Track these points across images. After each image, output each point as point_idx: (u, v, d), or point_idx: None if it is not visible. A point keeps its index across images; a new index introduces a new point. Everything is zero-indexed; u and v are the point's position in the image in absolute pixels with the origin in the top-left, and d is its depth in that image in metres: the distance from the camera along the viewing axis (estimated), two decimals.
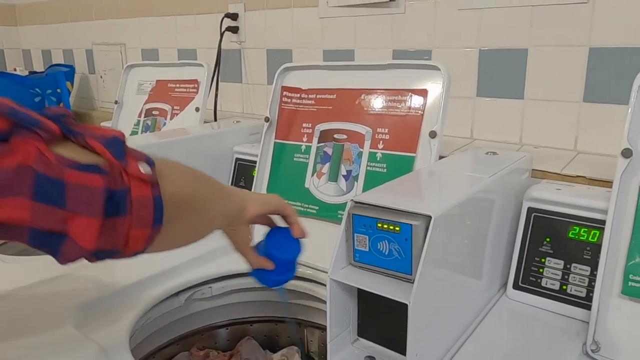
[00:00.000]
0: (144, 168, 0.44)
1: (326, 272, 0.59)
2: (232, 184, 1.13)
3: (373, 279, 0.57)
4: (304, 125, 0.95)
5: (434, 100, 0.81)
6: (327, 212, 0.89)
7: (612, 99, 0.90)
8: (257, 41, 1.46)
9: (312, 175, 0.92)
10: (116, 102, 1.48)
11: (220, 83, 1.49)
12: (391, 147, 0.84)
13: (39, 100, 1.94)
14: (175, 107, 1.33)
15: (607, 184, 0.74)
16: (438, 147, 0.79)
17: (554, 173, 0.83)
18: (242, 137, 1.17)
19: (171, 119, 1.32)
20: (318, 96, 0.94)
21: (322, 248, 0.83)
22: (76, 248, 0.41)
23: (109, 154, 0.42)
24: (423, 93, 0.83)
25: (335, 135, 0.91)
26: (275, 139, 0.98)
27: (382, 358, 0.62)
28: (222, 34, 1.46)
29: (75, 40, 2.15)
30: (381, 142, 0.85)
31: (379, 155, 0.85)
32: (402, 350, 0.57)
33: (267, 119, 0.99)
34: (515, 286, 0.76)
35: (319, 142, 0.92)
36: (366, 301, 0.63)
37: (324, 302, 0.83)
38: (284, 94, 0.99)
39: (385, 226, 0.55)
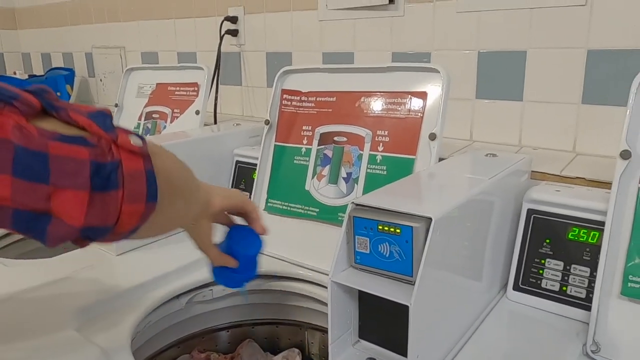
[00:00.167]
0: (134, 140, 0.42)
1: (327, 274, 0.60)
2: (232, 187, 1.13)
3: (374, 281, 0.57)
4: (304, 127, 0.95)
5: (433, 103, 0.82)
6: (328, 215, 0.89)
7: (611, 101, 0.91)
8: (256, 44, 1.46)
9: (313, 177, 0.92)
10: (116, 105, 1.48)
11: (220, 86, 1.50)
12: (391, 149, 0.84)
13: None
14: (175, 110, 1.33)
15: (606, 185, 0.74)
16: (438, 149, 0.79)
17: (554, 175, 0.83)
18: (242, 140, 1.17)
19: (171, 122, 1.33)
20: (318, 99, 0.95)
21: (323, 250, 0.83)
22: (63, 226, 0.39)
23: (96, 127, 0.40)
24: (422, 95, 0.83)
25: (336, 138, 0.91)
26: (275, 141, 0.99)
27: None
28: (221, 37, 1.47)
29: (75, 43, 2.15)
30: (381, 144, 0.85)
31: (379, 157, 0.85)
32: (403, 351, 0.57)
33: (267, 122, 0.99)
34: (516, 287, 0.76)
35: (319, 145, 0.93)
36: (367, 303, 0.63)
37: (325, 304, 0.83)
38: (284, 97, 0.99)
39: (386, 228, 0.55)
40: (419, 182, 0.71)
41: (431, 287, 0.55)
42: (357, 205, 0.58)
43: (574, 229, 0.72)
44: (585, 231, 0.71)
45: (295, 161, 0.95)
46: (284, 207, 0.95)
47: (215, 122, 1.42)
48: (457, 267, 0.64)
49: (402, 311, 0.52)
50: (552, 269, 0.73)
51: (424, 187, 0.70)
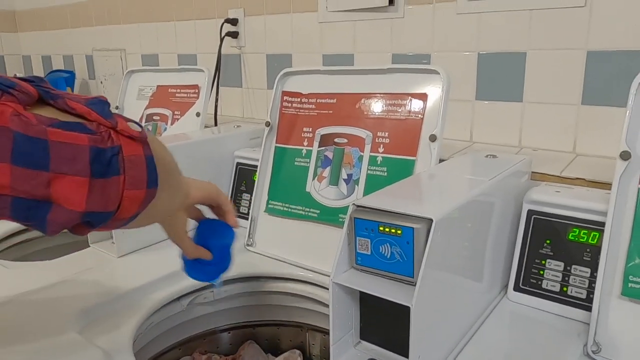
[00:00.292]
0: (133, 126, 0.42)
1: (328, 276, 0.60)
2: (233, 189, 1.14)
3: (375, 282, 0.57)
4: (305, 129, 0.95)
5: (433, 104, 0.82)
6: (328, 216, 0.89)
7: (611, 102, 0.91)
8: (256, 46, 1.47)
9: (313, 179, 0.92)
10: (117, 108, 1.48)
11: (220, 88, 1.50)
12: (391, 150, 0.85)
13: None
14: (175, 112, 1.33)
15: (606, 186, 0.75)
16: (438, 151, 0.80)
17: (554, 175, 0.84)
18: (243, 142, 1.17)
19: (172, 124, 1.33)
20: (318, 101, 0.95)
21: (324, 251, 0.83)
22: (64, 212, 0.39)
23: (95, 114, 0.40)
24: (423, 97, 0.83)
25: (336, 140, 0.91)
26: (276, 143, 0.99)
27: None
28: (222, 39, 1.47)
29: (75, 46, 2.16)
30: (381, 145, 0.86)
31: (379, 159, 0.85)
32: (404, 352, 0.57)
33: (267, 124, 0.99)
34: (516, 288, 0.76)
35: (319, 146, 0.93)
36: (368, 304, 0.63)
37: (326, 305, 0.84)
38: (284, 99, 0.99)
39: (387, 229, 0.55)
40: (419, 184, 0.71)
41: (432, 288, 0.55)
42: (358, 206, 0.58)
43: (574, 229, 0.72)
44: (586, 232, 0.71)
45: (295, 163, 0.95)
46: (285, 209, 0.95)
47: (216, 124, 1.43)
48: (457, 268, 0.64)
49: (403, 312, 0.52)
50: (553, 269, 0.73)
51: (424, 188, 0.70)
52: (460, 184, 0.70)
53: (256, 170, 1.01)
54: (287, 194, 0.95)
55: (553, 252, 0.74)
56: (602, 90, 0.92)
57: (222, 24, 1.47)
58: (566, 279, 0.72)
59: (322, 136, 0.93)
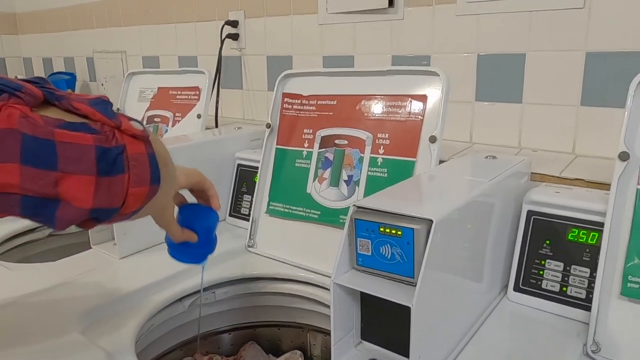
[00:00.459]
0: (136, 125, 0.43)
1: (329, 277, 0.60)
2: (234, 190, 1.14)
3: (376, 283, 0.58)
4: (305, 131, 0.96)
5: (433, 105, 0.82)
6: (329, 217, 0.89)
7: (609, 103, 0.91)
8: (257, 48, 1.47)
9: (314, 180, 0.93)
10: (118, 110, 1.49)
11: (221, 90, 1.51)
12: (392, 152, 0.85)
13: None
14: (176, 114, 1.34)
15: (606, 186, 0.75)
16: (438, 152, 0.80)
17: (553, 176, 0.84)
18: (244, 143, 1.18)
19: (173, 125, 1.33)
20: (319, 102, 0.95)
21: (324, 252, 0.84)
22: (72, 210, 0.40)
23: (99, 114, 0.41)
24: (422, 98, 0.84)
25: (336, 141, 0.92)
26: (276, 144, 0.99)
27: None
28: (222, 41, 1.48)
29: (76, 48, 2.16)
30: (382, 147, 0.86)
31: (379, 160, 0.86)
32: (405, 352, 0.57)
33: (268, 125, 1.00)
34: (516, 288, 0.76)
35: (320, 148, 0.93)
36: (369, 305, 0.64)
37: (327, 306, 0.84)
38: (285, 101, 1.00)
39: (388, 230, 0.56)
40: (419, 185, 0.72)
41: (432, 289, 0.56)
42: (358, 207, 0.59)
43: (574, 230, 0.73)
44: (585, 232, 0.72)
45: (296, 164, 0.96)
46: (286, 210, 0.95)
47: (217, 126, 1.43)
48: (458, 269, 0.64)
49: (404, 312, 0.52)
50: (552, 269, 0.74)
51: (424, 189, 0.71)
52: (460, 185, 0.71)
53: (257, 172, 1.01)
54: (288, 195, 0.96)
55: (553, 252, 0.74)
56: (601, 92, 0.92)
57: (223, 26, 1.48)
58: (566, 279, 0.73)
59: (323, 138, 0.93)
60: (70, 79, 2.06)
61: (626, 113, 0.63)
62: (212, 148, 1.13)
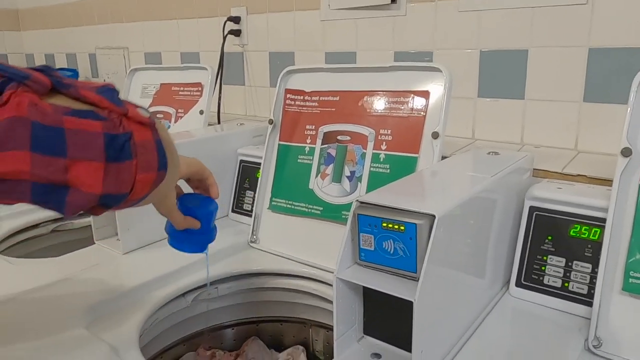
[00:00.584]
0: (143, 112, 0.44)
1: (331, 272, 0.60)
2: (236, 186, 1.14)
3: (378, 278, 0.58)
4: (308, 127, 0.96)
5: (435, 102, 0.82)
6: (331, 213, 0.90)
7: (612, 99, 0.91)
8: (259, 44, 1.47)
9: (316, 176, 0.93)
10: None
11: (223, 86, 1.51)
12: (394, 148, 0.85)
13: None
14: (179, 110, 1.34)
15: (608, 182, 0.75)
16: (440, 148, 0.80)
17: (555, 172, 0.84)
18: (246, 139, 1.18)
19: (175, 122, 1.33)
20: (321, 98, 0.96)
21: (327, 248, 0.84)
22: (82, 195, 0.41)
23: (107, 101, 0.42)
24: (425, 94, 0.84)
25: (339, 137, 0.92)
26: (279, 140, 0.99)
27: (387, 355, 0.63)
28: (224, 37, 1.48)
29: (78, 44, 2.16)
30: (384, 143, 0.86)
31: (382, 156, 0.86)
32: (407, 347, 0.58)
33: (271, 121, 1.00)
34: (518, 284, 0.77)
35: (322, 144, 0.94)
36: (372, 299, 0.64)
37: (329, 301, 0.84)
38: (287, 97, 1.00)
39: (390, 225, 0.56)
40: (422, 180, 0.72)
41: (435, 284, 0.56)
42: (361, 203, 0.59)
43: (576, 225, 0.73)
44: (587, 228, 0.72)
45: (299, 160, 0.96)
46: (288, 206, 0.95)
47: (219, 122, 1.43)
48: (460, 264, 0.64)
49: (406, 307, 0.53)
50: (554, 265, 0.74)
51: (427, 185, 0.71)
52: (463, 180, 0.71)
53: (259, 168, 1.01)
54: (291, 191, 0.96)
55: (555, 248, 0.74)
56: (603, 88, 0.92)
57: (225, 22, 1.48)
58: (567, 274, 0.73)
59: (325, 134, 0.94)
60: (72, 75, 2.06)
61: (629, 109, 0.63)
62: (215, 144, 1.13)
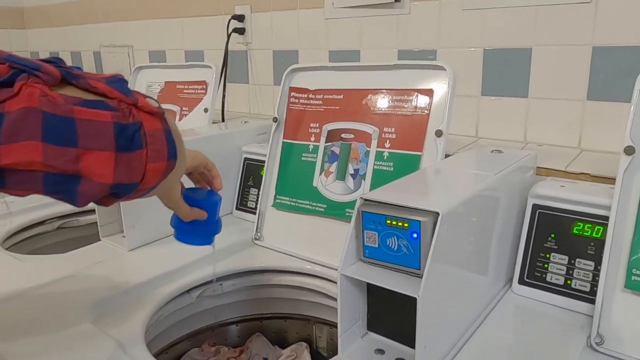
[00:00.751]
0: (152, 102, 0.44)
1: (335, 269, 0.61)
2: (241, 183, 1.15)
3: (382, 274, 0.59)
4: (312, 125, 0.96)
5: (439, 100, 0.83)
6: (335, 210, 0.90)
7: (615, 97, 0.91)
8: (263, 42, 1.48)
9: (320, 174, 0.93)
10: None
11: (227, 84, 1.51)
12: (398, 146, 0.86)
13: None
14: (184, 108, 1.35)
15: (611, 180, 0.75)
16: (444, 146, 0.81)
17: (559, 170, 0.84)
18: (250, 137, 1.19)
19: (180, 119, 1.34)
20: (325, 96, 0.96)
21: (331, 245, 0.85)
22: (94, 185, 0.41)
23: (116, 92, 0.42)
24: (429, 93, 0.84)
25: (343, 135, 0.92)
26: (283, 138, 1.00)
27: (391, 351, 0.64)
28: (228, 36, 1.48)
29: (82, 42, 2.17)
30: (388, 141, 0.87)
31: (385, 154, 0.86)
32: (411, 343, 0.58)
33: (275, 119, 1.00)
34: (521, 281, 0.77)
35: (326, 142, 0.94)
36: (376, 296, 0.64)
37: (333, 298, 0.85)
38: (291, 95, 1.00)
39: (394, 223, 0.56)
40: (425, 178, 0.72)
41: (438, 280, 0.56)
42: (365, 200, 0.59)
43: (579, 223, 0.73)
44: (590, 226, 0.72)
45: (303, 158, 0.96)
46: (292, 204, 0.96)
47: (223, 120, 1.44)
48: (463, 261, 0.65)
49: (410, 303, 0.53)
50: (557, 263, 0.74)
51: (430, 182, 0.71)
52: (466, 178, 0.71)
53: (264, 166, 1.02)
54: (295, 188, 0.96)
55: (558, 245, 0.75)
56: (607, 86, 0.92)
57: (229, 20, 1.48)
58: (570, 272, 0.73)
59: (329, 132, 0.94)
60: None
61: (632, 107, 0.63)
62: (219, 142, 1.14)
